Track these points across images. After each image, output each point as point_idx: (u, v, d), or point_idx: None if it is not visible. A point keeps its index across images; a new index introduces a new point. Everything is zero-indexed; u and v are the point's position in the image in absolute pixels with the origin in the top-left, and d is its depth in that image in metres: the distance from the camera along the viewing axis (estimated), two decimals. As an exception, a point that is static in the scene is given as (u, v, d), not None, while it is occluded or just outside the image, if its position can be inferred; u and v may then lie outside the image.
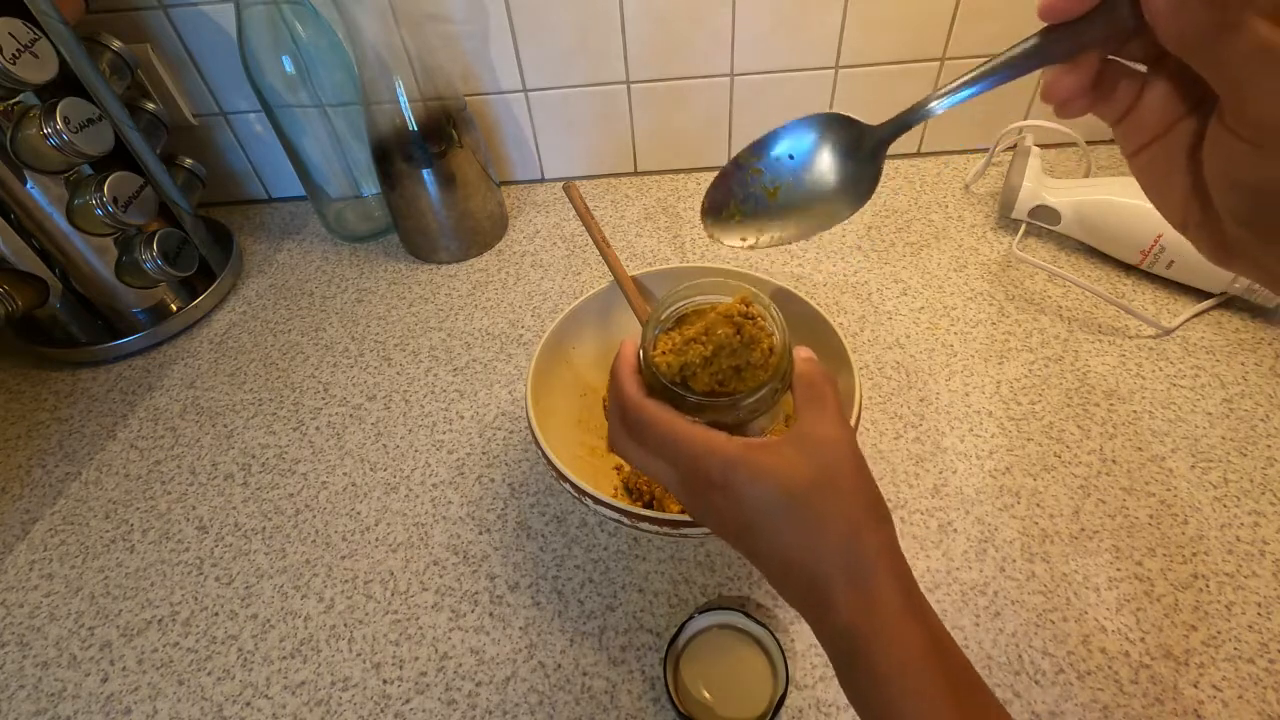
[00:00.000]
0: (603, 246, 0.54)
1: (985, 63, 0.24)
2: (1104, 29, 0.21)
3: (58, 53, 0.56)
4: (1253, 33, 0.18)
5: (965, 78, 0.25)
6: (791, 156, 0.27)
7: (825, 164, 0.27)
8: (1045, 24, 0.22)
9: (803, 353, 0.35)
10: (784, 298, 0.53)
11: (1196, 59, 0.20)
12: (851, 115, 0.27)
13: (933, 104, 0.26)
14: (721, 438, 0.31)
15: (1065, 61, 0.23)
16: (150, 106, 0.72)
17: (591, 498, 0.41)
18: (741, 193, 0.29)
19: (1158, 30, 0.20)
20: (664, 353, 0.34)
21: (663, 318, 0.36)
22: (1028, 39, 0.22)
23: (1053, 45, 0.22)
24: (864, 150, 0.27)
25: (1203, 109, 0.23)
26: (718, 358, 0.34)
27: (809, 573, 0.28)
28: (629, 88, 0.77)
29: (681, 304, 0.36)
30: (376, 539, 0.53)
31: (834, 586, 0.28)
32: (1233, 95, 0.20)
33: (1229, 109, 0.20)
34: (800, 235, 0.30)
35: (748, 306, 0.35)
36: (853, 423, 0.44)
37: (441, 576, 0.50)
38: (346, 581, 0.51)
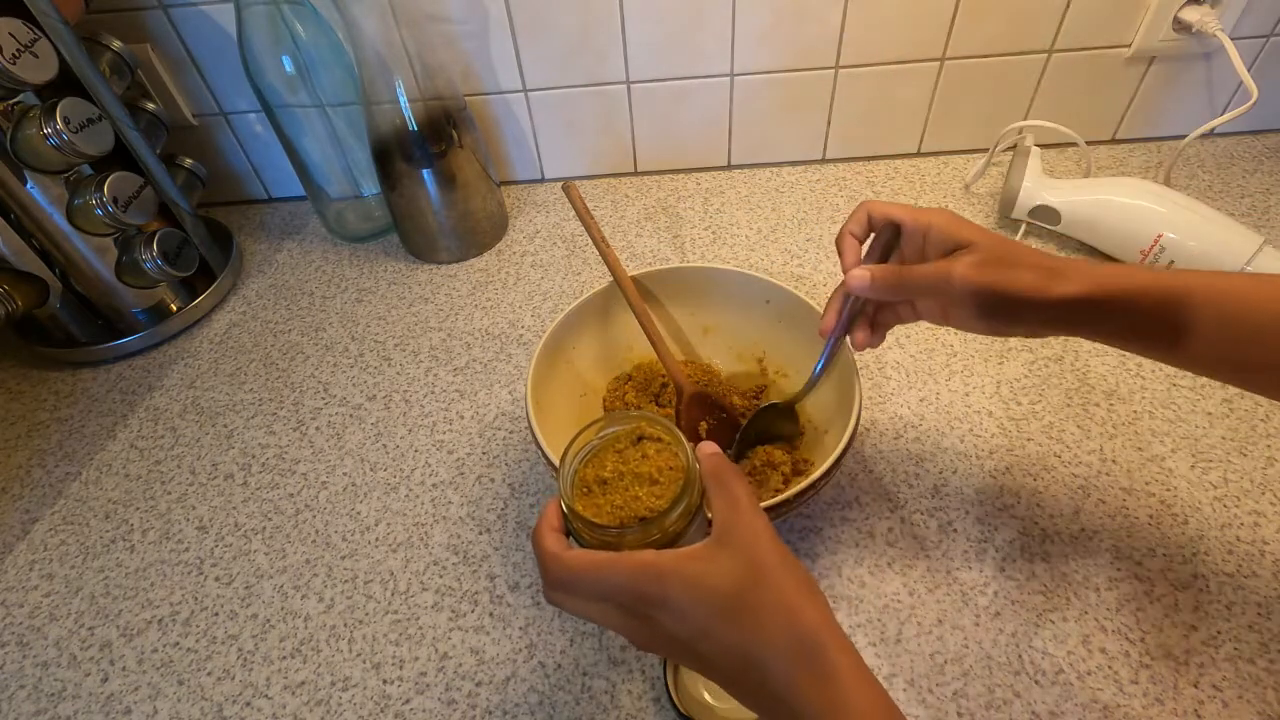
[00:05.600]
0: (602, 246, 0.54)
1: (824, 356, 0.46)
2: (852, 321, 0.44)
3: (58, 53, 0.56)
4: (907, 273, 0.40)
5: (818, 368, 0.47)
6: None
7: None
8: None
9: (707, 449, 0.35)
10: (784, 298, 0.53)
11: (909, 294, 0.41)
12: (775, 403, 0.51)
13: (806, 390, 0.48)
14: (649, 554, 0.30)
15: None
16: (150, 106, 0.72)
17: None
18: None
19: (888, 299, 0.43)
20: (578, 497, 0.35)
21: (573, 462, 0.36)
22: (825, 349, 0.46)
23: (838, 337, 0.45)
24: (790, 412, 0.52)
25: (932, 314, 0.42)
26: (622, 481, 0.34)
27: (760, 669, 0.29)
28: (629, 88, 0.77)
29: (588, 446, 0.36)
30: (376, 539, 0.53)
31: (785, 675, 0.28)
32: (923, 291, 0.41)
33: (932, 296, 0.41)
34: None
35: (643, 427, 0.36)
36: (852, 423, 0.44)
37: (441, 576, 0.50)
38: (346, 581, 0.51)
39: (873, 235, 0.43)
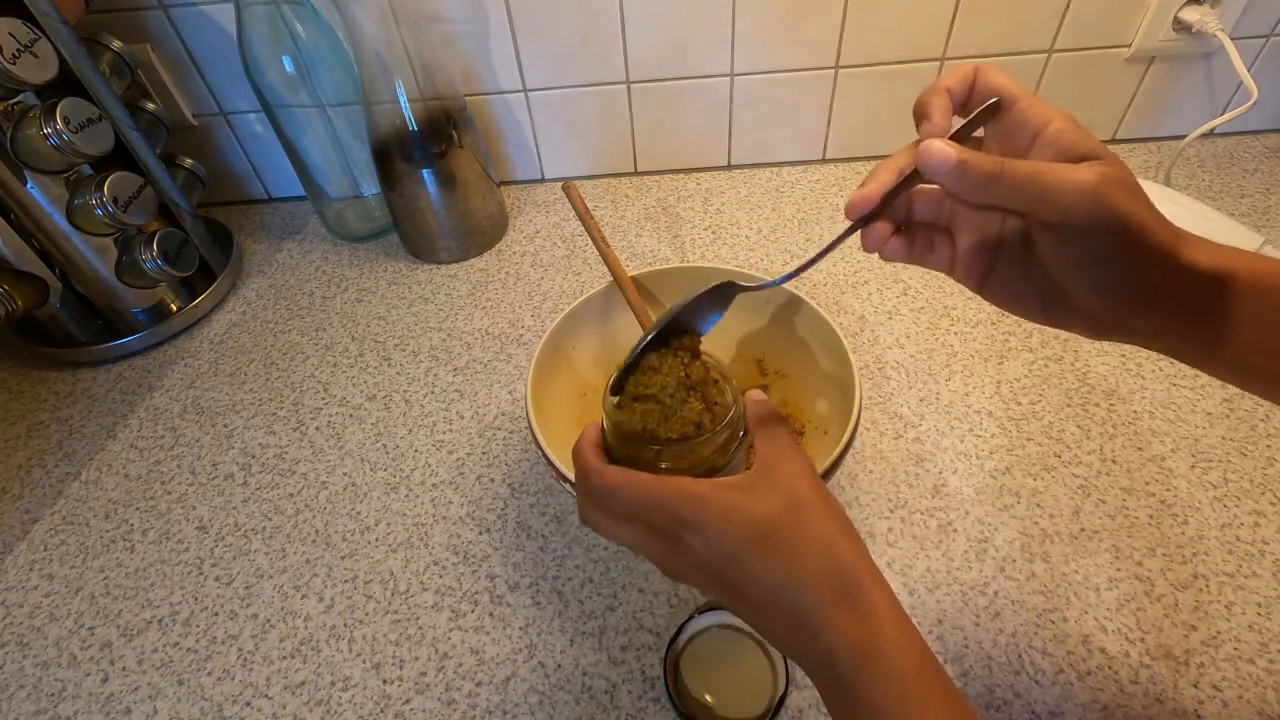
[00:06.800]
0: (602, 246, 0.54)
1: (818, 249, 0.33)
2: (890, 216, 0.32)
3: (58, 53, 0.56)
4: (1012, 167, 0.27)
5: (802, 262, 0.34)
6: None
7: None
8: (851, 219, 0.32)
9: (754, 396, 0.36)
10: (784, 298, 0.53)
11: (1003, 199, 0.28)
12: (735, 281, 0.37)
13: (780, 279, 0.35)
14: (689, 480, 0.31)
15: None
16: (150, 106, 0.72)
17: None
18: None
19: (966, 198, 0.30)
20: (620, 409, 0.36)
21: (616, 375, 0.37)
22: (843, 232, 0.33)
23: (859, 225, 0.32)
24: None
25: (1006, 239, 0.32)
26: (675, 393, 0.35)
27: (794, 598, 0.29)
28: (629, 88, 0.77)
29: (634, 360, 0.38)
30: (376, 539, 0.53)
31: (822, 607, 0.28)
32: (1026, 200, 0.28)
33: (1032, 210, 0.28)
34: None
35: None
36: (852, 423, 0.44)
37: (441, 576, 0.50)
38: (346, 581, 0.51)
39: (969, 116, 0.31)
